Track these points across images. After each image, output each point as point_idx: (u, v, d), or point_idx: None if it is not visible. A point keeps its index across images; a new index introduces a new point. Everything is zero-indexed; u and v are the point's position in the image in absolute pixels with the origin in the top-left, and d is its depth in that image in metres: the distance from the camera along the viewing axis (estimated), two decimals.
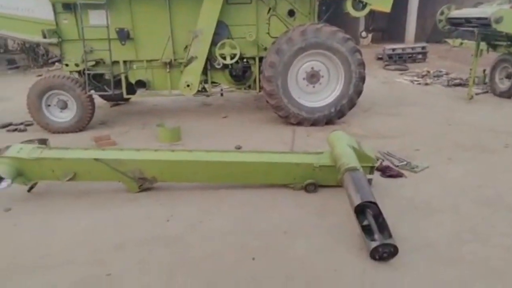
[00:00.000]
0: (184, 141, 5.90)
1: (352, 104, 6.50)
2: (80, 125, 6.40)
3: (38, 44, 13.28)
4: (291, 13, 6.75)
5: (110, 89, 6.58)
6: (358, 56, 6.27)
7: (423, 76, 11.36)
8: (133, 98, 7.88)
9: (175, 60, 6.64)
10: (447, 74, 11.67)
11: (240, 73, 6.95)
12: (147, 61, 6.65)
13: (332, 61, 6.32)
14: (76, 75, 6.71)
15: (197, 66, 6.50)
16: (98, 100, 7.39)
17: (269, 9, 6.66)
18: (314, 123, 6.46)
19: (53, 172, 3.89)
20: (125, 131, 6.51)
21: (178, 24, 6.47)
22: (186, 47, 6.57)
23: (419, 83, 10.62)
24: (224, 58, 6.55)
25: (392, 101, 8.32)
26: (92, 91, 6.55)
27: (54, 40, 6.26)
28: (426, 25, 19.93)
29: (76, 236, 3.33)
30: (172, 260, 2.97)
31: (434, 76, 11.32)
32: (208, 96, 7.48)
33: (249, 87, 7.28)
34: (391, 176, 4.33)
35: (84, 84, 6.33)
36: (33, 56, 14.30)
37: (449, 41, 11.45)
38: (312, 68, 6.37)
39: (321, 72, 6.41)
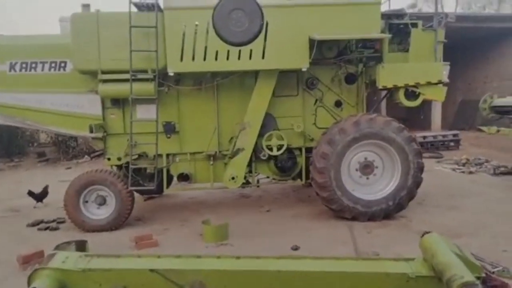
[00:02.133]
0: (231, 240, 5.34)
1: (411, 196, 5.98)
2: (117, 223, 5.94)
3: (71, 137, 13.59)
4: (338, 103, 6.63)
5: (150, 183, 6.24)
6: (414, 146, 5.93)
7: (464, 164, 10.87)
8: (171, 191, 7.49)
9: (219, 152, 6.40)
10: (487, 161, 11.18)
11: (286, 164, 6.62)
12: (191, 153, 6.43)
13: (387, 151, 5.97)
14: (115, 169, 6.49)
15: (244, 158, 6.22)
16: None
17: (316, 100, 6.57)
18: (371, 217, 5.89)
19: (100, 286, 3.33)
20: (164, 228, 6.00)
21: (225, 116, 6.37)
22: (232, 138, 6.37)
23: (463, 172, 10.10)
24: (271, 150, 6.29)
25: (443, 191, 7.74)
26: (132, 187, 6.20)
27: (100, 134, 6.15)
28: (447, 113, 20.11)
29: None
30: None
31: (476, 164, 10.82)
32: (243, 187, 7.06)
33: (293, 178, 6.92)
34: (494, 287, 3.61)
35: (125, 179, 6.02)
36: (64, 149, 14.51)
37: (484, 128, 11.18)
38: (366, 158, 6.01)
39: (375, 162, 6.03)
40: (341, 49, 6.39)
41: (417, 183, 5.95)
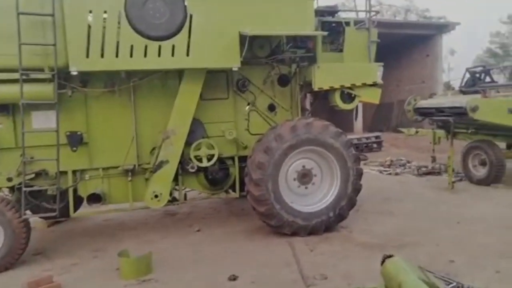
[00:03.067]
0: (156, 273, 4.43)
1: (352, 204, 5.63)
2: (8, 262, 4.66)
3: None
4: (271, 107, 6.09)
5: (54, 208, 5.08)
6: (353, 151, 5.59)
7: (389, 166, 11.13)
8: (80, 214, 6.32)
9: (139, 165, 5.47)
10: (408, 162, 11.60)
11: (218, 176, 5.89)
12: (104, 169, 5.39)
13: (325, 158, 5.55)
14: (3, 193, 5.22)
15: (168, 172, 5.36)
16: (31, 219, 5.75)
17: (248, 104, 5.96)
18: (312, 231, 5.41)
19: None
20: (72, 263, 4.86)
21: (144, 124, 5.47)
22: (153, 149, 5.48)
23: (389, 173, 10.30)
24: (200, 160, 5.52)
25: (377, 195, 7.63)
26: (28, 214, 4.97)
27: None
28: (366, 115, 21.05)
29: None
30: None
31: (400, 165, 11.13)
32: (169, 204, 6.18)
33: (226, 191, 6.24)
34: None
35: (18, 205, 4.80)
36: None
37: (404, 130, 11.62)
38: (304, 166, 5.53)
39: (313, 170, 5.59)
40: (273, 47, 5.86)
41: (357, 190, 5.62)
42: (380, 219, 6.10)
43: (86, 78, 5.12)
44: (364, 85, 5.85)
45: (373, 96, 5.98)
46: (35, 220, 6.43)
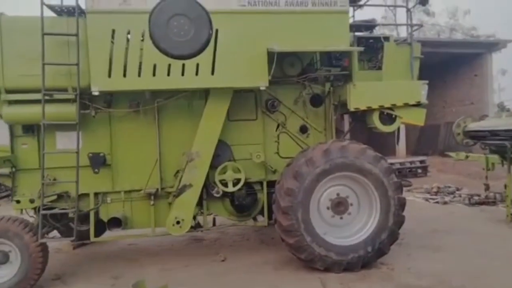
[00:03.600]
0: None
1: (393, 238, 5.03)
2: (23, 287, 4.52)
3: None
4: (303, 129, 5.68)
5: (72, 231, 4.90)
6: (394, 178, 5.02)
7: (436, 193, 10.23)
8: (101, 239, 6.12)
9: (162, 189, 5.22)
10: (458, 189, 10.63)
11: (244, 202, 5.51)
12: (126, 192, 5.18)
13: (362, 185, 5.03)
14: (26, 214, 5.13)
15: (192, 196, 5.05)
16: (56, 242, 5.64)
17: (278, 125, 5.60)
18: (347, 267, 4.85)
19: None
20: None
21: (168, 145, 5.25)
22: (177, 172, 5.22)
23: (437, 202, 9.42)
24: (226, 185, 5.18)
25: (423, 227, 6.88)
26: (45, 238, 4.80)
27: (6, 170, 4.83)
28: (410, 138, 19.96)
29: None
30: None
31: (448, 193, 10.19)
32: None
33: (254, 218, 5.83)
34: None
35: (36, 228, 4.66)
36: None
37: (452, 154, 10.67)
38: (338, 194, 5.03)
39: (349, 199, 5.06)
40: (304, 65, 5.51)
41: (399, 222, 5.02)
42: (426, 255, 5.41)
43: (110, 99, 5.01)
44: (407, 105, 5.32)
45: (417, 117, 5.41)
46: (61, 242, 6.37)
